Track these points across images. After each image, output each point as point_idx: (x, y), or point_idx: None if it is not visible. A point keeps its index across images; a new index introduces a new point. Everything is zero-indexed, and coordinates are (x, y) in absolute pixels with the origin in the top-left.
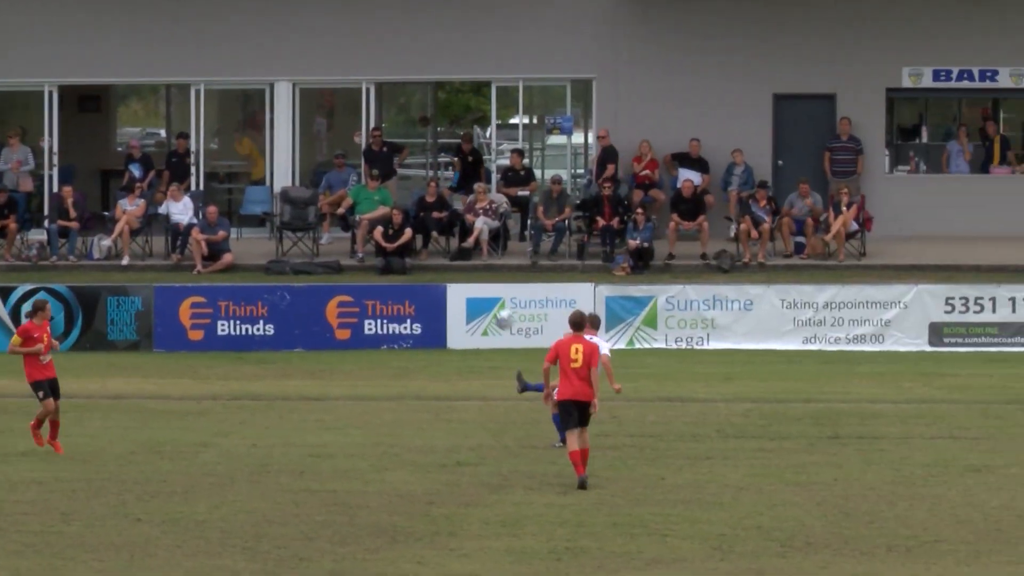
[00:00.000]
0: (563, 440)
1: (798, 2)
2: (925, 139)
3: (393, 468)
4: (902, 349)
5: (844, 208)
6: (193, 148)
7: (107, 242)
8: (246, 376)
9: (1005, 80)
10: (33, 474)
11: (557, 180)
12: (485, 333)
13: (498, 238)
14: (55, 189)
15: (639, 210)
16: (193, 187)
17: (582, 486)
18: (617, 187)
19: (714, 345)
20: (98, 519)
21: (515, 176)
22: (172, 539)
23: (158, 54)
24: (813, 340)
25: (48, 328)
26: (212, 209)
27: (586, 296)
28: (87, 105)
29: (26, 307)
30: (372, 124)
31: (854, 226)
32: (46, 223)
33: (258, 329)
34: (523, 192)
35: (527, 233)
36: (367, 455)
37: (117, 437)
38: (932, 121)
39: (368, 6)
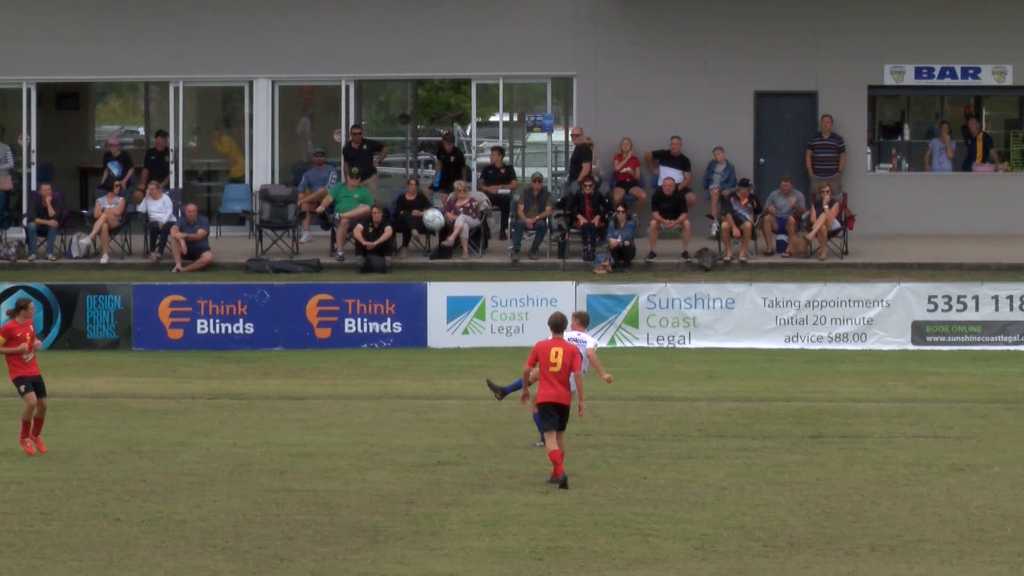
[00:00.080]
0: (544, 440)
1: (779, 0)
2: (907, 137)
3: (374, 468)
4: (885, 348)
5: (826, 206)
6: (172, 146)
7: (86, 240)
8: (226, 375)
9: (987, 78)
10: (12, 473)
11: (538, 178)
12: (466, 332)
13: (478, 236)
14: (33, 187)
15: (620, 208)
16: (172, 185)
17: (563, 485)
18: (598, 185)
19: (696, 344)
20: (77, 519)
21: (495, 174)
22: (152, 539)
23: (137, 51)
24: (795, 339)
25: (31, 327)
26: (191, 207)
27: (567, 295)
28: (65, 102)
29: (7, 305)
30: (352, 122)
31: (836, 224)
32: (24, 221)
33: (238, 328)
34: (503, 190)
35: (508, 231)
36: (348, 454)
37: (96, 436)
38: (914, 119)
39: (348, 3)
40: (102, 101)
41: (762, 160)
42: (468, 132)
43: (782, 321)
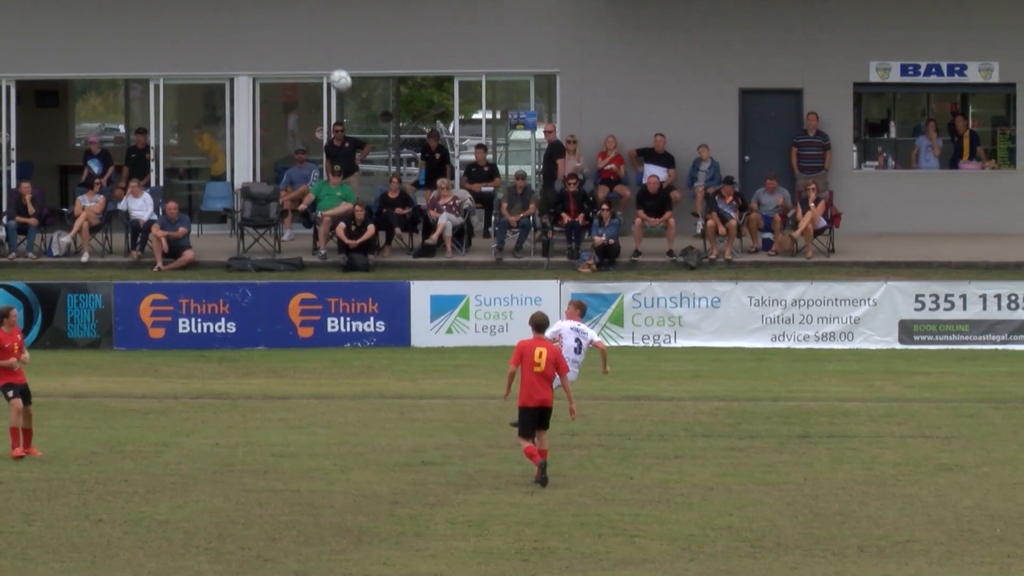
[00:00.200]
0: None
1: None
2: (893, 134)
3: (358, 468)
4: (872, 347)
5: (812, 204)
6: (153, 144)
7: (66, 239)
8: (208, 375)
9: (974, 75)
10: None
11: (521, 176)
12: (450, 331)
13: (462, 235)
14: (13, 185)
15: (604, 206)
16: (153, 183)
17: (542, 474)
18: (582, 183)
19: (681, 343)
20: (59, 520)
21: (479, 172)
22: (134, 540)
23: (117, 48)
24: (782, 338)
25: (19, 336)
26: (172, 205)
27: (551, 294)
28: (45, 100)
29: None
30: (334, 119)
31: (822, 223)
32: (4, 219)
33: (220, 327)
34: (487, 188)
35: (491, 230)
36: (331, 454)
37: (78, 437)
38: (900, 116)
39: (330, 0)
40: (82, 99)
41: (747, 158)
42: (451, 130)
43: (768, 320)
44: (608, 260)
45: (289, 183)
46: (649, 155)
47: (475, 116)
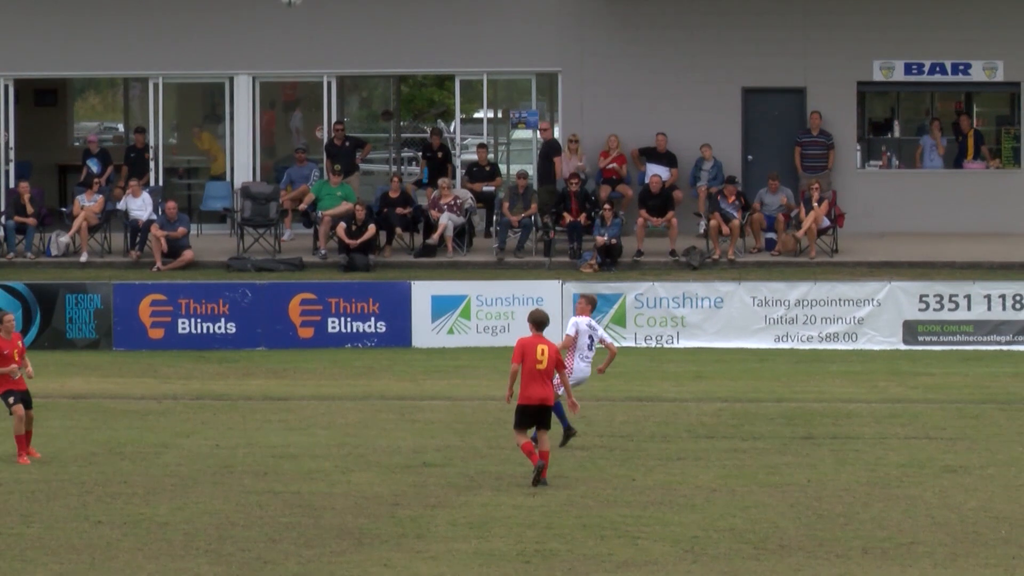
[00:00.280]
0: (567, 429)
1: None
2: (897, 134)
3: (358, 469)
4: (876, 348)
5: (815, 204)
6: (152, 143)
7: (65, 239)
8: (208, 375)
9: (978, 73)
10: None
11: (523, 175)
12: (451, 331)
13: (463, 234)
14: (11, 185)
15: (606, 206)
16: (152, 182)
17: (537, 476)
18: (584, 182)
19: (684, 343)
20: (58, 521)
21: (480, 171)
22: (134, 542)
23: (116, 47)
24: (785, 338)
25: (20, 343)
26: (171, 205)
27: (553, 294)
28: (44, 99)
29: None
30: (334, 118)
31: (826, 222)
32: (2, 219)
33: (220, 327)
34: (488, 188)
35: (493, 229)
36: (332, 456)
37: (77, 438)
38: (904, 115)
39: None
40: (81, 97)
41: (750, 157)
42: (452, 129)
43: (771, 321)
44: (610, 260)
45: (289, 182)
46: (651, 154)
47: (476, 115)
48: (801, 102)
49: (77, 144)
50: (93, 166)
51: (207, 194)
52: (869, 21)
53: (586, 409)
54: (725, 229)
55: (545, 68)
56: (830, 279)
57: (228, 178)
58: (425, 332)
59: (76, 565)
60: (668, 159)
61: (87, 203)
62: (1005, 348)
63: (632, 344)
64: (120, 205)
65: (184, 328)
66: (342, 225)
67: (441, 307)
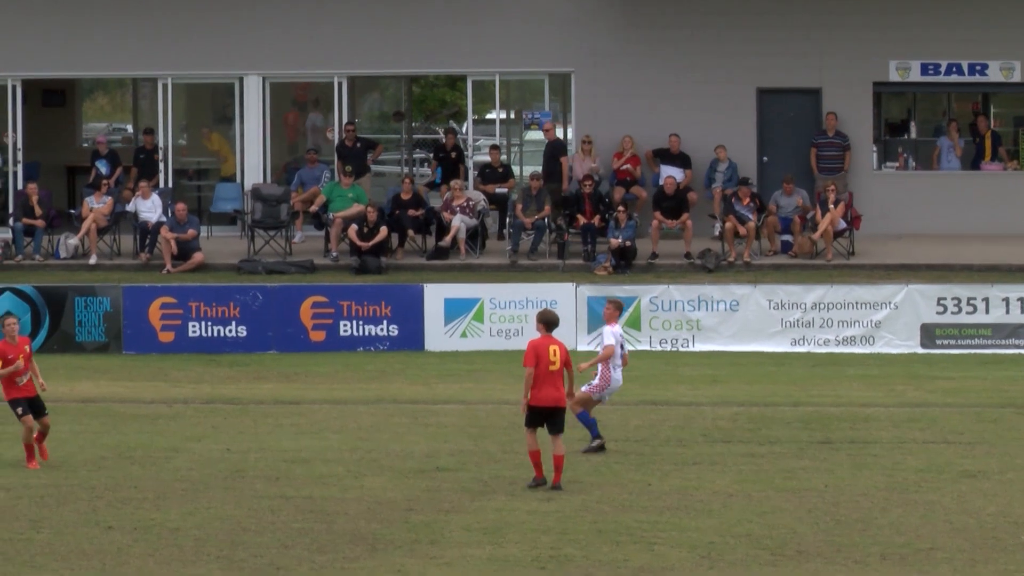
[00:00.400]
0: (596, 439)
1: None
2: (914, 135)
3: (371, 474)
4: (893, 351)
5: (831, 206)
6: (161, 144)
7: (74, 241)
8: (219, 379)
9: (995, 74)
10: (0, 480)
11: (536, 176)
12: (464, 335)
13: (476, 237)
14: (19, 186)
15: (621, 208)
16: (162, 184)
17: (534, 483)
18: (598, 184)
19: (699, 347)
20: (68, 526)
21: (493, 173)
22: (144, 547)
23: (124, 47)
24: (801, 342)
25: (27, 348)
26: (181, 206)
27: (567, 296)
28: (51, 99)
29: None
30: (345, 119)
31: (842, 224)
32: (11, 221)
33: (230, 331)
34: (501, 189)
35: (506, 231)
36: (344, 460)
37: (86, 442)
38: (921, 116)
39: None
40: (89, 98)
41: (765, 158)
42: (464, 130)
43: (788, 324)
44: (625, 262)
45: (300, 184)
46: (665, 156)
47: (489, 116)
48: (817, 103)
49: (86, 145)
50: (102, 167)
51: (217, 196)
52: (885, 21)
53: (601, 413)
54: (742, 230)
55: (558, 68)
56: (847, 282)
57: (238, 179)
58: (438, 335)
59: (86, 571)
60: (682, 160)
61: (96, 205)
62: (1023, 352)
63: (647, 348)
64: (129, 207)
65: (194, 331)
66: (354, 227)
67: (454, 310)
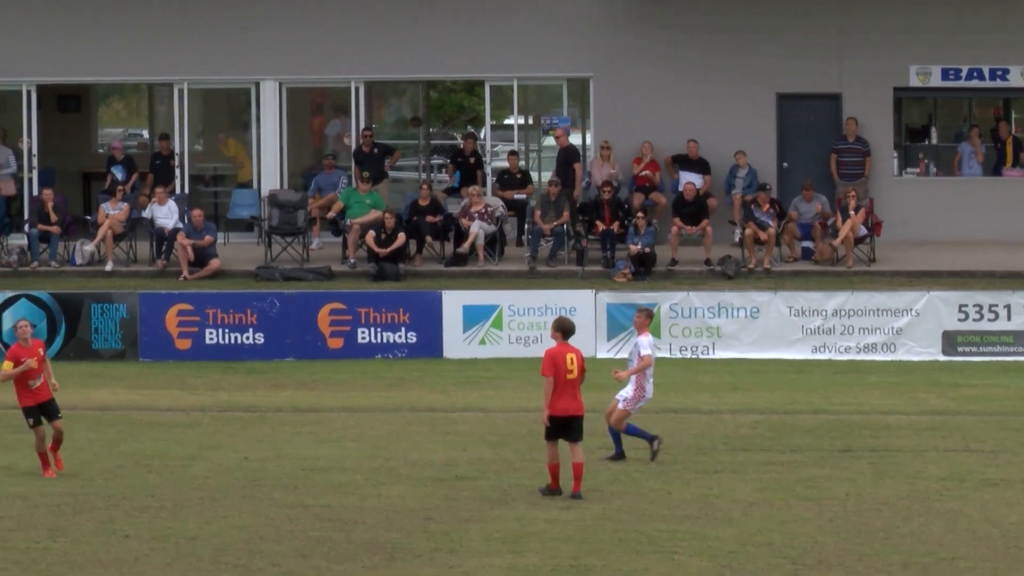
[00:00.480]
0: (654, 440)
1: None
2: (935, 140)
3: (390, 482)
4: (915, 358)
5: (852, 212)
6: (177, 149)
7: (90, 247)
8: (236, 386)
9: (1017, 79)
10: (17, 489)
11: (555, 183)
12: (483, 342)
13: (494, 243)
14: (35, 192)
15: (640, 214)
16: (178, 190)
17: (546, 491)
18: (616, 190)
19: (720, 354)
20: (85, 535)
21: (511, 179)
22: (162, 556)
23: (139, 51)
24: (822, 349)
25: (41, 351)
26: (197, 213)
27: (586, 303)
28: (66, 105)
29: (8, 316)
30: (362, 125)
31: (863, 231)
32: (26, 227)
33: (248, 338)
34: (519, 195)
35: (524, 238)
36: (363, 469)
37: (103, 450)
38: (942, 121)
39: (357, 2)
40: (104, 103)
41: (785, 164)
42: (482, 135)
43: (808, 331)
44: (644, 269)
45: (317, 190)
46: (683, 161)
47: (507, 121)
48: (837, 108)
49: (101, 151)
50: (118, 173)
51: (234, 202)
52: (905, 26)
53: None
54: (762, 236)
55: (576, 73)
56: (868, 289)
57: (255, 185)
58: (456, 342)
59: None
60: (701, 166)
61: (112, 211)
62: None
63: (667, 355)
64: (145, 213)
65: (211, 338)
66: (371, 234)
67: (473, 317)
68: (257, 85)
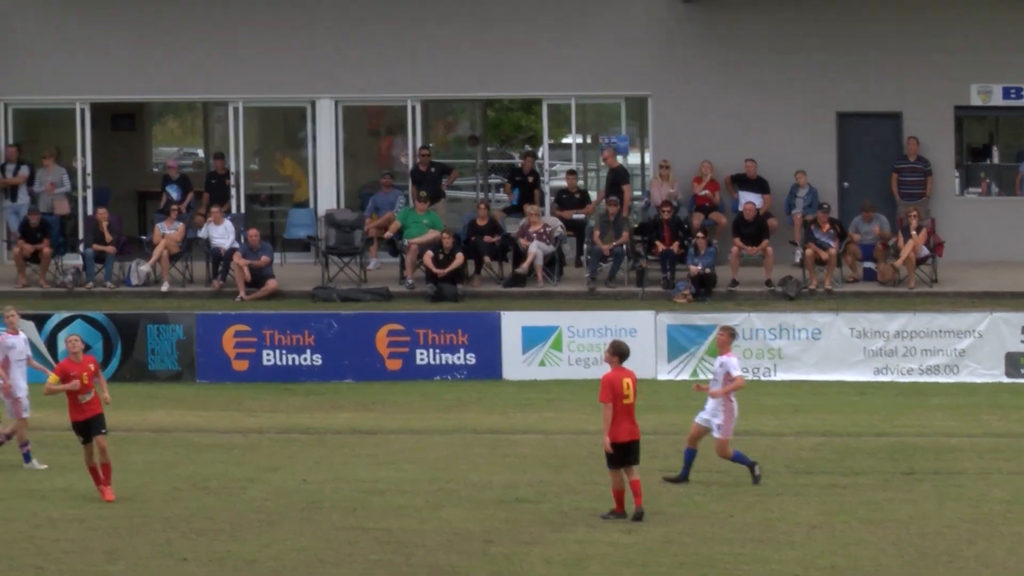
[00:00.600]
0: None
1: (862, 17)
2: (996, 160)
3: (449, 505)
4: (978, 380)
5: (913, 232)
6: (233, 169)
7: (145, 267)
8: (294, 408)
9: None
10: (74, 511)
11: (614, 202)
12: (542, 363)
13: (553, 263)
14: (89, 212)
15: (700, 234)
16: (234, 210)
17: (611, 514)
18: (676, 210)
19: (781, 376)
20: (143, 559)
21: (570, 198)
22: None
23: (194, 70)
24: (885, 371)
25: (92, 365)
26: (254, 232)
27: (647, 324)
28: (121, 123)
29: (62, 334)
30: (419, 143)
31: (924, 251)
32: (81, 247)
33: (305, 359)
34: (578, 215)
35: (583, 258)
36: (422, 491)
37: (160, 472)
38: (1003, 141)
39: (414, 21)
40: (159, 122)
41: (846, 184)
42: (540, 154)
43: (870, 352)
44: (704, 290)
45: (374, 210)
46: (742, 181)
47: (565, 140)
48: (897, 127)
49: (156, 170)
50: (173, 192)
51: (290, 221)
52: (966, 44)
53: (681, 443)
54: (823, 256)
55: (635, 92)
56: (930, 310)
57: (311, 205)
58: (516, 364)
59: None
60: (760, 185)
61: (167, 231)
62: None
63: None
64: (201, 233)
65: (269, 360)
66: (429, 253)
67: (532, 338)
68: (313, 103)
